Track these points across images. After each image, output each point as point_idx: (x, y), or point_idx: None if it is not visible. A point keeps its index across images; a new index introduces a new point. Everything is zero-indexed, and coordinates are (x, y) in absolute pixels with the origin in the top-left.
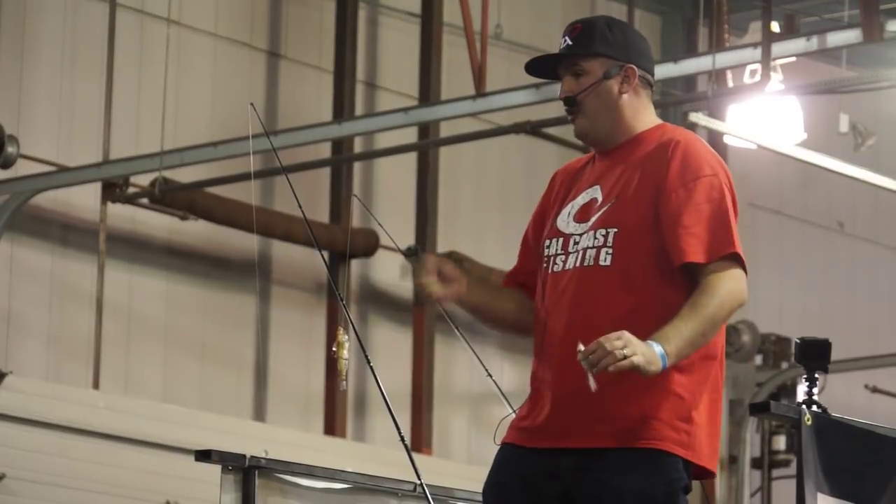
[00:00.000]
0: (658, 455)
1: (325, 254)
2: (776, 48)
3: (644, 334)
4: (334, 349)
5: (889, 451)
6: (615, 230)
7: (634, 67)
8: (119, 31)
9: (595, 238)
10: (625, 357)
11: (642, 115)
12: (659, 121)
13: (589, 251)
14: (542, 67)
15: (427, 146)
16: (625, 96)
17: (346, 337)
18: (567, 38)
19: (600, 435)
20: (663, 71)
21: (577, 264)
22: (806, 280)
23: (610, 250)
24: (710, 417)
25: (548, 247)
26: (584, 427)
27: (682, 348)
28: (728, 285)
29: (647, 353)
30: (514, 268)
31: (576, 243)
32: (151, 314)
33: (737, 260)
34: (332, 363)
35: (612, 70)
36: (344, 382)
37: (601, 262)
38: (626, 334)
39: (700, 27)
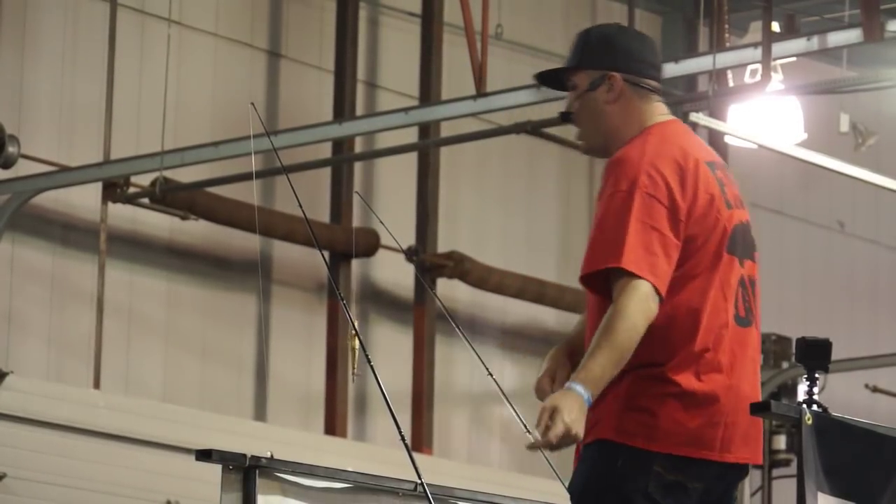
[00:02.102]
0: (598, 445)
1: (326, 253)
2: (777, 48)
3: None
4: (349, 341)
5: (890, 450)
6: None
7: (616, 74)
8: (120, 31)
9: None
10: (553, 437)
11: (632, 120)
12: (648, 123)
13: None
14: (556, 80)
15: (427, 146)
16: (611, 105)
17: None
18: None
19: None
20: (664, 71)
21: None
22: (806, 280)
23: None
24: (668, 403)
25: None
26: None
27: (597, 383)
28: (633, 312)
29: (570, 413)
30: None
31: None
32: (152, 314)
33: (628, 273)
34: (332, 362)
35: (595, 80)
36: (354, 376)
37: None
38: (552, 407)
39: (700, 27)
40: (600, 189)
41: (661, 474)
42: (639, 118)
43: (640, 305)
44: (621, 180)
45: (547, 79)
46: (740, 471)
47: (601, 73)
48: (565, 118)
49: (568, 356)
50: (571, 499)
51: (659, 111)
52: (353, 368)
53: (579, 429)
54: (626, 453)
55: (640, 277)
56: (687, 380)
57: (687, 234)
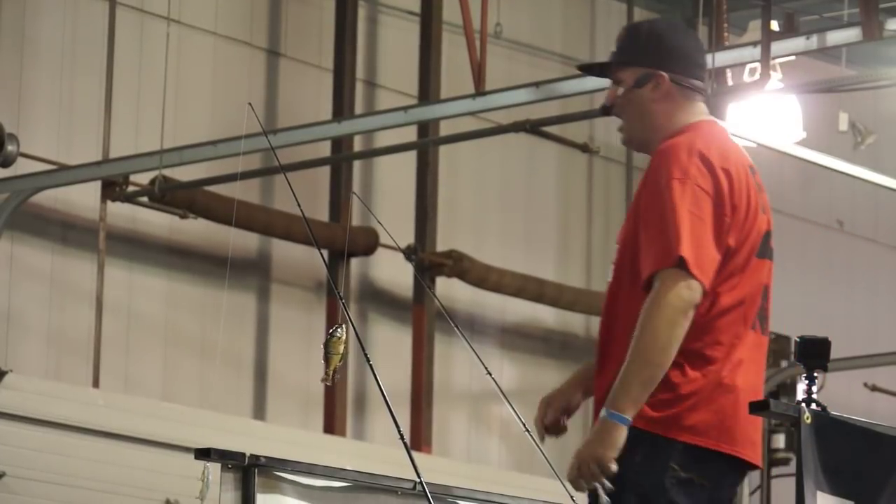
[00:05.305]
0: (631, 433)
1: (325, 252)
2: (776, 47)
3: (617, 353)
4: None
5: (888, 449)
6: (617, 246)
7: (664, 74)
8: (119, 30)
9: (615, 253)
10: (587, 483)
11: (676, 117)
12: (690, 121)
13: (610, 266)
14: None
15: (427, 145)
16: (656, 104)
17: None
18: (615, 45)
19: None
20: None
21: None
22: (805, 278)
23: (612, 266)
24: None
25: None
26: None
27: (634, 397)
28: (656, 307)
29: (593, 451)
30: None
31: None
32: (151, 313)
33: (679, 264)
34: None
35: (642, 78)
36: (330, 379)
37: (607, 278)
38: (578, 458)
39: (700, 25)
40: (646, 176)
41: (677, 471)
42: (682, 116)
43: (674, 304)
44: (673, 169)
45: (588, 67)
46: (742, 470)
47: (649, 72)
48: (606, 111)
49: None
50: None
51: (702, 110)
52: (332, 371)
53: (599, 470)
54: (646, 442)
55: (688, 276)
56: (708, 374)
57: (728, 234)
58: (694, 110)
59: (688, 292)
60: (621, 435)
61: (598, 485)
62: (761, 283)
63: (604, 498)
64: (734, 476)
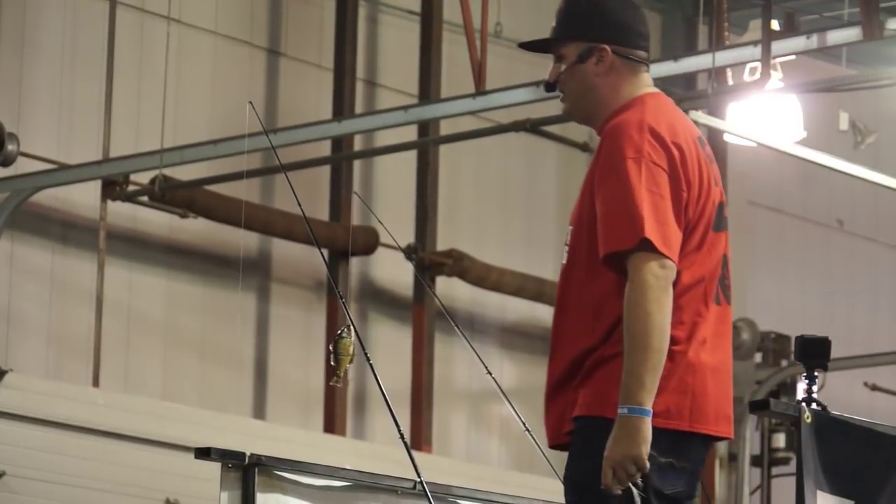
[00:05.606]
0: (580, 425)
1: (325, 252)
2: (776, 46)
3: (568, 336)
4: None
5: (888, 448)
6: (571, 227)
7: (607, 47)
8: (119, 29)
9: (568, 235)
10: (625, 484)
11: (622, 91)
12: (635, 94)
13: (564, 248)
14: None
15: (427, 144)
16: (601, 78)
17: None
18: (554, 20)
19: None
20: (663, 69)
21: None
22: (805, 278)
23: (567, 248)
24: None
25: None
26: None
27: (648, 386)
28: (638, 293)
29: (628, 451)
30: None
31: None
32: (151, 312)
33: (647, 246)
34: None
35: (584, 53)
36: (338, 380)
37: (563, 261)
38: (611, 461)
39: (700, 25)
40: (597, 156)
41: (655, 457)
42: (628, 89)
43: (651, 285)
44: (626, 148)
45: (529, 44)
46: (711, 445)
47: (591, 46)
48: (550, 88)
49: None
50: (566, 492)
51: (647, 82)
52: (342, 372)
53: (634, 468)
54: (609, 427)
55: (658, 255)
56: (674, 356)
57: (687, 209)
58: (639, 82)
59: (662, 270)
60: (648, 428)
61: (631, 485)
62: (720, 255)
63: (638, 496)
64: (706, 450)
